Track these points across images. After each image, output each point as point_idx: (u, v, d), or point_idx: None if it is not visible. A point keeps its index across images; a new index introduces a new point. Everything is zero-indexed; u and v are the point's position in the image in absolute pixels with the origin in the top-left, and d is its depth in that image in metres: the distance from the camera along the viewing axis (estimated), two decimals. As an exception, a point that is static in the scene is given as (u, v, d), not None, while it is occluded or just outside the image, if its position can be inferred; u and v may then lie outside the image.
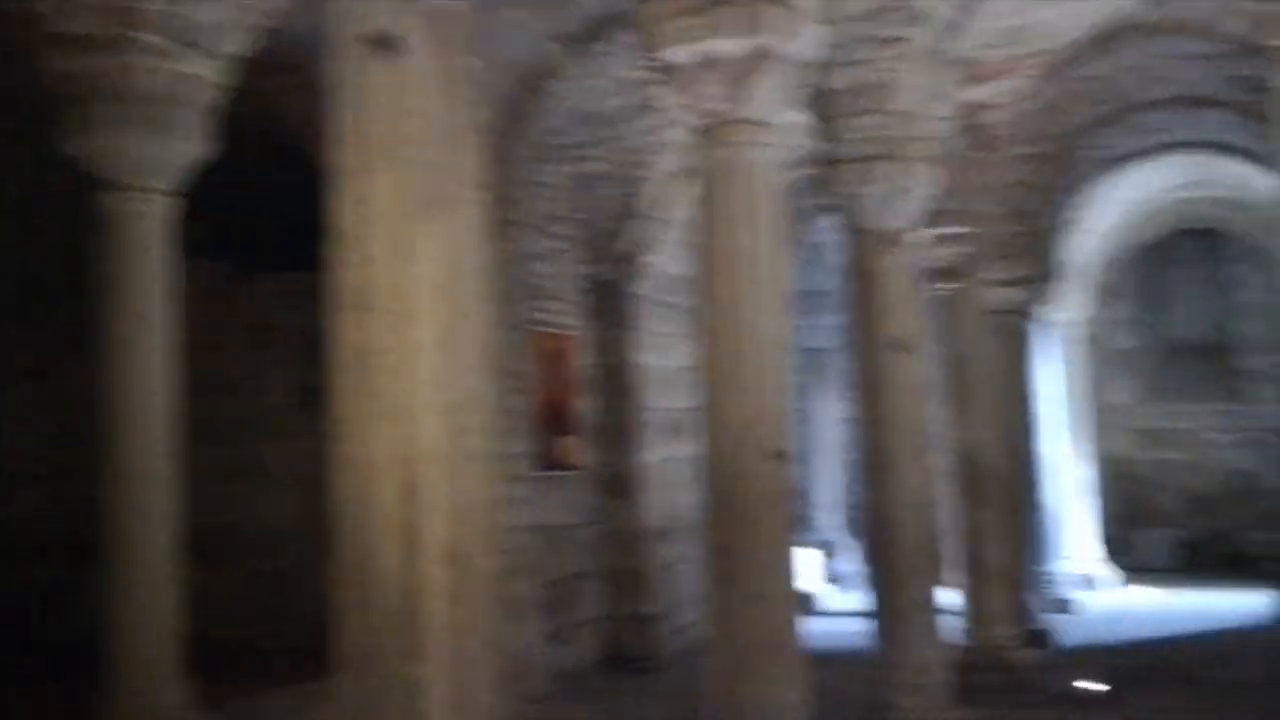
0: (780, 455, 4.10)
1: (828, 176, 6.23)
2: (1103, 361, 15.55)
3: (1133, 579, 13.25)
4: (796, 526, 4.40)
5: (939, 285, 8.21)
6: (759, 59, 4.11)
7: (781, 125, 4.25)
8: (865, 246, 6.14)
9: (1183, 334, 15.71)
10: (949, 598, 6.49)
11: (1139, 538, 14.93)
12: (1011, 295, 10.00)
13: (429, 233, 2.41)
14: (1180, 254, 15.61)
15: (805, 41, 4.24)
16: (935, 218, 7.80)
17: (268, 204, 7.93)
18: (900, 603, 5.80)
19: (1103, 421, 15.11)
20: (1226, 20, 7.38)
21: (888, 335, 5.97)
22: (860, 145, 6.10)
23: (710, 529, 4.20)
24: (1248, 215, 13.80)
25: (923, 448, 5.95)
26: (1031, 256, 10.29)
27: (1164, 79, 9.12)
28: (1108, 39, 8.00)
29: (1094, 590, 12.30)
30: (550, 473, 8.57)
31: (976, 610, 8.09)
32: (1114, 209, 13.04)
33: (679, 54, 4.24)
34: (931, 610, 5.93)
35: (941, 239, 8.05)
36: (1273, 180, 10.97)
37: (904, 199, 6.10)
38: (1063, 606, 10.90)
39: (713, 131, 4.22)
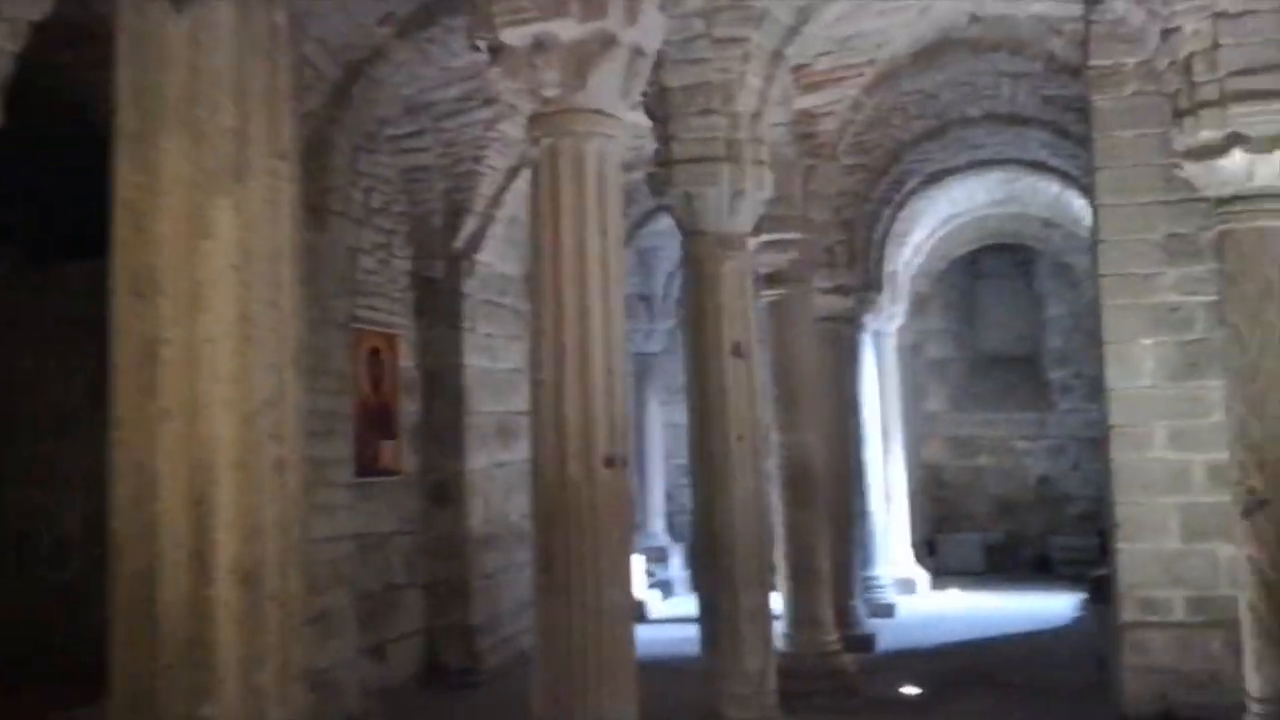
0: (616, 461, 3.91)
1: (665, 177, 6.08)
2: (919, 370, 16.04)
3: (944, 582, 13.65)
4: (633, 535, 4.22)
5: (768, 291, 8.21)
6: (598, 43, 3.91)
7: (620, 115, 4.06)
8: (703, 250, 6.03)
9: (994, 345, 16.33)
10: (773, 602, 6.42)
11: (950, 542, 15.42)
12: (838, 303, 10.16)
13: (224, 207, 2.11)
14: (993, 268, 16.25)
15: (646, 28, 4.06)
16: (766, 223, 7.80)
17: (76, 187, 7.33)
18: (732, 611, 5.69)
19: (918, 429, 15.58)
20: (1048, 39, 7.61)
21: (726, 340, 5.87)
22: (699, 145, 5.98)
23: (540, 539, 3.97)
24: (1057, 233, 14.42)
25: (759, 454, 5.87)
26: (857, 266, 10.47)
27: (985, 96, 9.39)
28: (933, 53, 8.15)
29: (912, 594, 12.59)
30: (370, 478, 8.18)
31: (800, 616, 8.10)
32: (933, 222, 13.43)
33: (513, 35, 4.00)
34: (766, 619, 5.86)
35: (772, 245, 8.04)
36: (1082, 199, 11.48)
37: (742, 202, 6.01)
38: (883, 611, 11.10)
39: (548, 119, 3.99)
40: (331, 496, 7.36)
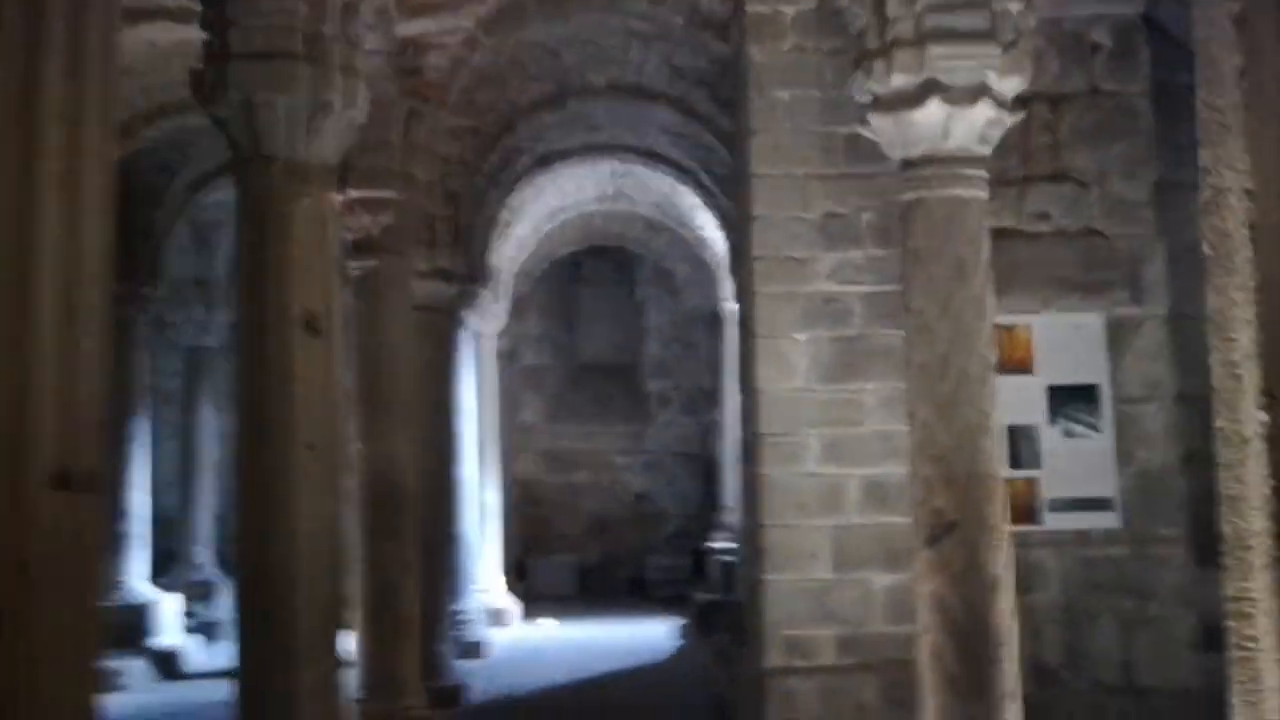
0: (72, 479, 2.16)
1: (217, 78, 4.32)
2: (514, 378, 14.87)
3: (537, 609, 12.49)
4: (100, 613, 2.44)
5: (355, 262, 6.57)
6: None
7: None
8: (268, 181, 4.30)
9: (593, 354, 15.51)
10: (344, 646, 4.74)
11: (542, 565, 14.38)
12: (438, 290, 8.59)
13: None
14: (595, 272, 15.45)
15: None
16: (357, 176, 6.19)
17: None
18: (288, 691, 4.00)
19: (512, 442, 14.39)
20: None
21: (295, 309, 4.19)
22: (269, 37, 4.27)
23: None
24: (661, 237, 13.82)
25: (335, 470, 4.21)
26: (461, 250, 8.99)
27: (611, 61, 8.30)
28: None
29: (502, 626, 11.26)
30: None
31: (378, 674, 6.48)
32: (539, 216, 12.33)
33: None
34: (334, 694, 4.21)
35: (363, 203, 6.42)
36: (694, 196, 10.76)
37: (327, 120, 4.35)
38: (473, 650, 9.66)
39: None
40: None
